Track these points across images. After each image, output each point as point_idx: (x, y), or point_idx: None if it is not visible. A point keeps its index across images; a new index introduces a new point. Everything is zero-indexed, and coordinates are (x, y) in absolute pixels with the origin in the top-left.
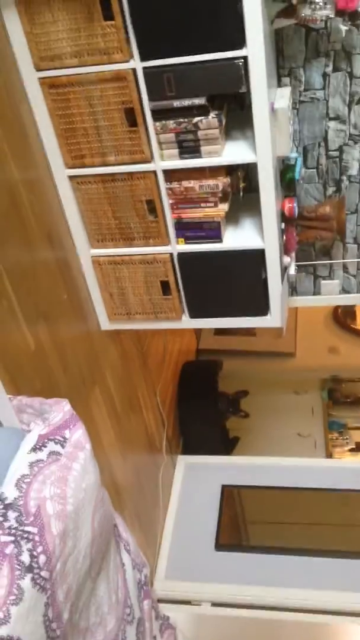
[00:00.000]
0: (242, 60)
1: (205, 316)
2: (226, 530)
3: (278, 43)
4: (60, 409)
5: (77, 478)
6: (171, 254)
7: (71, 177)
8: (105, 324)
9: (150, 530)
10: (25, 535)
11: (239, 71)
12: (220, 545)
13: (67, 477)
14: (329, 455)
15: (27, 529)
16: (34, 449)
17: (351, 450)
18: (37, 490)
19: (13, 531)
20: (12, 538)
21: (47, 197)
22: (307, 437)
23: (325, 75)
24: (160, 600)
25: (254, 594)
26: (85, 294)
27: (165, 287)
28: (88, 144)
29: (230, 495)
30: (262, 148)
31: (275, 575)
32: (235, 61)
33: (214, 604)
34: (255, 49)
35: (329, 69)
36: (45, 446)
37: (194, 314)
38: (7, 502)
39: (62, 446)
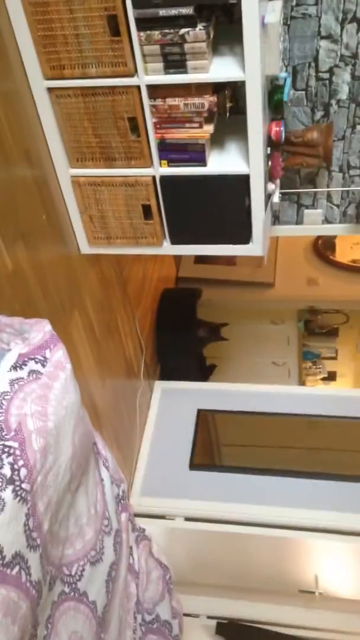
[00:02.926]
0: None
1: (187, 243)
2: (200, 451)
3: None
4: (41, 329)
5: (57, 396)
6: (153, 177)
7: (50, 89)
8: (85, 248)
9: (127, 450)
10: (6, 450)
11: None
12: (194, 465)
13: (47, 395)
14: (302, 383)
15: (7, 443)
16: (14, 367)
17: (323, 379)
18: (18, 406)
19: None
20: None
21: (25, 111)
22: (281, 366)
23: None
24: (136, 515)
25: (224, 510)
26: (65, 216)
27: (146, 211)
28: (68, 53)
29: (205, 419)
30: (251, 65)
31: (245, 494)
32: None
33: (187, 519)
34: None
35: None
36: (25, 365)
37: (175, 240)
38: None
39: (43, 365)
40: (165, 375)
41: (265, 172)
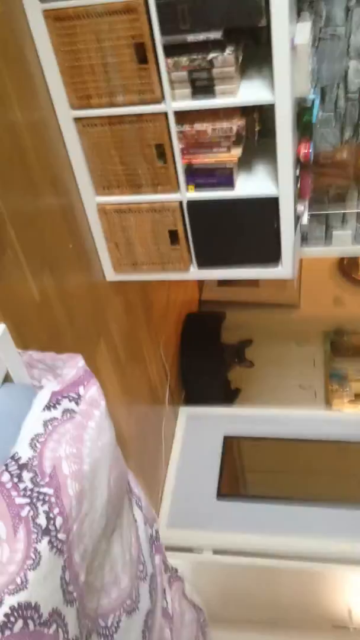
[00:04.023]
0: None
1: (214, 267)
2: (227, 480)
3: None
4: (74, 365)
5: (92, 436)
6: (180, 202)
7: (77, 119)
8: (111, 275)
9: (153, 480)
10: (41, 497)
11: (260, 2)
12: (221, 494)
13: (82, 435)
14: (329, 405)
15: (42, 490)
16: (48, 407)
17: (351, 401)
18: (52, 449)
19: (29, 493)
20: (28, 500)
21: (52, 140)
22: (307, 389)
23: (347, 10)
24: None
25: (254, 541)
26: (91, 243)
27: (173, 236)
28: (95, 82)
29: (232, 446)
30: (280, 88)
31: (275, 524)
32: None
33: (215, 552)
34: None
35: (352, 2)
36: (59, 404)
37: (202, 265)
38: (21, 462)
39: (77, 403)
40: (190, 400)
41: (295, 194)
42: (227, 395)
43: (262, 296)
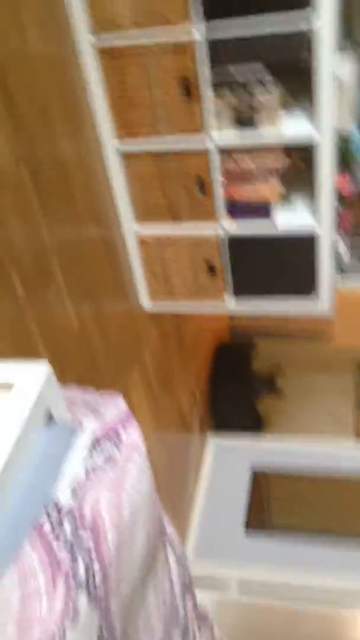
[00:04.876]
0: (309, 25)
1: (251, 299)
2: (255, 512)
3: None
4: (115, 406)
5: (133, 483)
6: (219, 234)
7: (121, 152)
8: (148, 304)
9: (179, 510)
10: (82, 550)
11: (305, 36)
12: (249, 527)
13: (123, 481)
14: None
15: (83, 542)
16: (89, 450)
17: None
18: (93, 497)
19: (69, 545)
20: (68, 552)
21: (96, 172)
22: (338, 418)
23: None
24: None
25: (282, 579)
26: (129, 273)
27: (211, 268)
28: (141, 116)
29: (261, 478)
30: (323, 122)
31: (303, 561)
32: (301, 25)
33: (242, 587)
34: (325, 11)
35: None
36: (100, 447)
37: (239, 297)
38: (62, 510)
39: (118, 447)
40: (218, 428)
41: (334, 228)
42: (257, 424)
43: (294, 325)
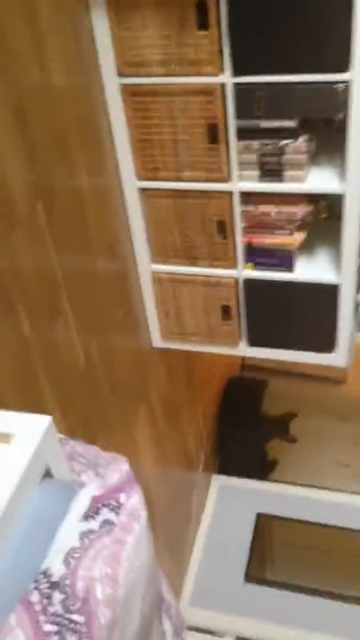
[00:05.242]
0: (344, 85)
1: (265, 346)
2: (257, 562)
3: None
4: (118, 468)
5: (130, 555)
6: (236, 279)
7: (141, 190)
8: (158, 342)
9: (179, 553)
10: (71, 626)
11: (339, 96)
12: (250, 577)
13: (119, 553)
14: None
15: (73, 617)
16: (86, 516)
17: None
18: (87, 568)
19: (58, 619)
20: (57, 628)
21: (114, 208)
22: (346, 467)
23: None
24: None
25: (282, 634)
26: (140, 310)
27: (225, 311)
28: (163, 157)
29: (265, 525)
30: (352, 178)
31: (306, 618)
32: (337, 85)
33: (239, 639)
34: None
35: None
36: (98, 513)
37: (252, 343)
38: (53, 579)
39: (117, 513)
40: (224, 469)
41: (356, 282)
42: (264, 467)
43: (308, 367)
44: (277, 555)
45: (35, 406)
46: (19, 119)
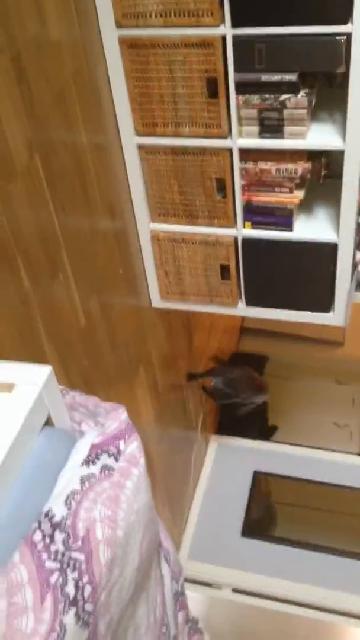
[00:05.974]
0: (345, 37)
1: (263, 305)
2: (254, 517)
3: None
4: (117, 417)
5: (129, 498)
6: (235, 238)
7: (140, 146)
8: (157, 302)
9: (178, 509)
10: (72, 563)
11: (340, 49)
12: (246, 532)
13: (119, 496)
14: None
15: (74, 555)
16: (86, 461)
17: None
18: (87, 509)
19: (59, 556)
20: (58, 565)
21: (113, 165)
22: (343, 427)
23: None
24: None
25: (276, 585)
26: (140, 269)
27: (224, 271)
28: (162, 112)
29: (262, 482)
30: (353, 134)
31: (300, 570)
32: (337, 37)
33: (235, 590)
34: None
35: None
36: (98, 459)
37: (251, 303)
38: (54, 520)
39: (116, 459)
40: (224, 431)
41: (355, 241)
42: (264, 432)
43: (306, 330)
44: (274, 511)
45: (35, 360)
46: (17, 72)
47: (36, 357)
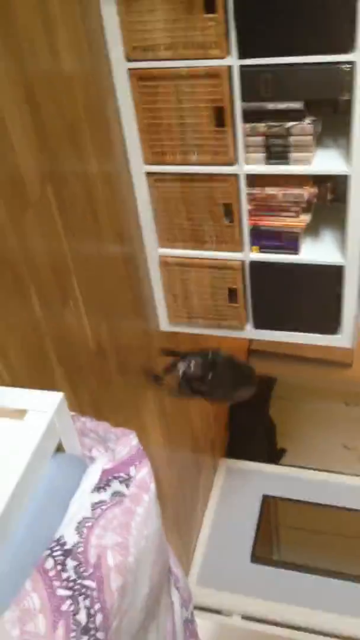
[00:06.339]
0: (350, 66)
1: (271, 328)
2: (263, 542)
3: None
4: (127, 443)
5: (139, 524)
6: (243, 261)
7: (149, 174)
8: (165, 325)
9: (186, 534)
10: (84, 591)
11: (345, 77)
12: (256, 558)
13: (130, 523)
14: None
15: (85, 582)
16: (97, 488)
17: None
18: (98, 536)
19: (71, 584)
20: (70, 592)
21: (122, 192)
22: (352, 450)
23: None
24: None
25: (287, 612)
26: (148, 293)
27: (232, 294)
28: (170, 140)
29: (271, 506)
30: (357, 159)
31: (310, 596)
32: (342, 66)
33: (244, 617)
34: None
35: None
36: (109, 485)
37: (258, 325)
38: (66, 547)
39: (127, 485)
40: (233, 454)
41: None
42: (272, 455)
43: (314, 352)
44: (284, 536)
45: (46, 385)
46: (30, 104)
47: (47, 382)
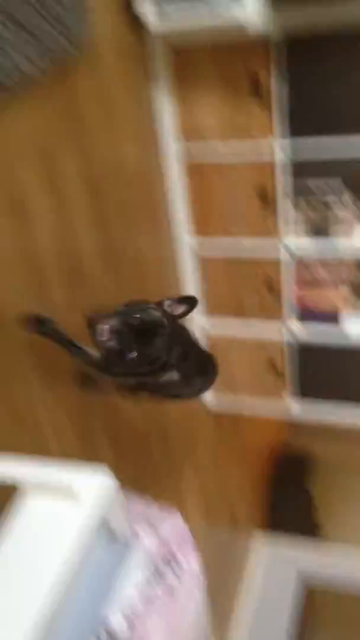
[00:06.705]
0: None
1: (314, 403)
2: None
3: None
4: (173, 524)
5: (185, 612)
6: (286, 336)
7: (195, 252)
8: (211, 400)
9: (220, 618)
10: None
11: None
12: None
13: (176, 610)
14: None
15: None
16: (143, 571)
17: None
18: (144, 623)
19: None
20: None
21: (170, 271)
22: None
23: None
24: None
25: None
26: None
27: (275, 369)
28: (217, 219)
29: (311, 594)
30: None
31: None
32: None
33: None
34: None
35: None
36: (157, 570)
37: (304, 401)
38: (114, 635)
39: (174, 572)
40: (271, 528)
41: None
42: (310, 529)
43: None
44: (326, 629)
45: (93, 460)
46: (92, 192)
47: (94, 455)
